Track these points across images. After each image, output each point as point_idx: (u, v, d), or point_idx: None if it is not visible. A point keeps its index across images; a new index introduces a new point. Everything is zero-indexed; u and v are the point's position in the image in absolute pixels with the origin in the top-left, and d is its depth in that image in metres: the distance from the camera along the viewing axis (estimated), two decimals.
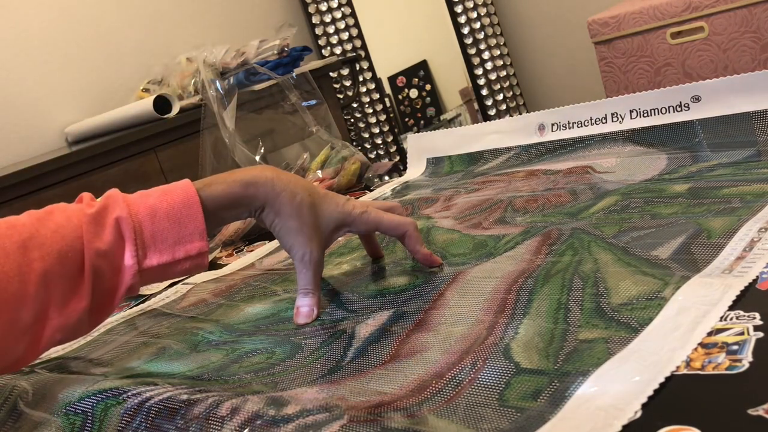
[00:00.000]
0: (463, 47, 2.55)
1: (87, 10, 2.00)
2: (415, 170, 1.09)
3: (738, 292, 0.46)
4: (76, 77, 1.97)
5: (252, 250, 0.95)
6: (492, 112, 2.59)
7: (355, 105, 2.52)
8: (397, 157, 2.53)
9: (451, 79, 2.65)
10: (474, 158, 1.02)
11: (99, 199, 0.57)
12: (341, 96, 2.41)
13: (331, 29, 2.49)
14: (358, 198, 1.05)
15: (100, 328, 0.77)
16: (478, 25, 2.54)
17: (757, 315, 0.43)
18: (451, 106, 2.68)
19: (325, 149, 1.21)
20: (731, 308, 0.45)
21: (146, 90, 1.92)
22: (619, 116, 0.87)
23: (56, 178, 1.60)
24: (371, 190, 1.08)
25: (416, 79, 2.64)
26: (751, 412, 0.34)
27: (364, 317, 0.60)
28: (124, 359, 0.66)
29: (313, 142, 1.31)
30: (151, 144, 1.76)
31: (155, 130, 1.75)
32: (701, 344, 0.42)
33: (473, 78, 2.58)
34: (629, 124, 0.86)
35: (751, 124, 0.75)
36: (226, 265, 0.91)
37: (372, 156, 2.50)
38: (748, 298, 0.46)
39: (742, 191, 0.64)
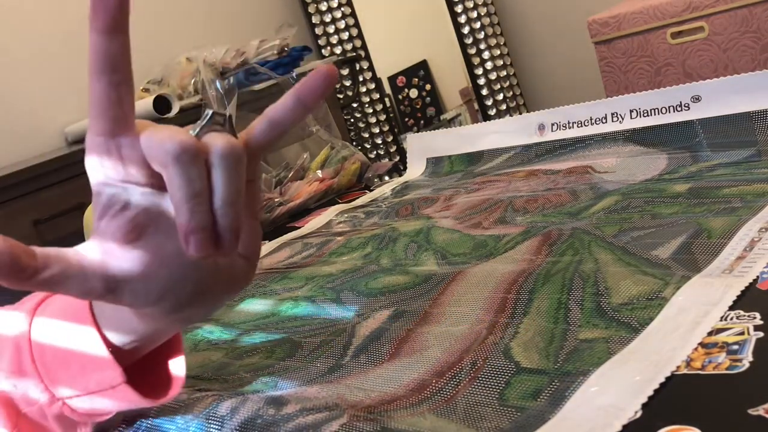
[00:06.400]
0: (463, 47, 2.56)
1: (87, 10, 2.00)
2: (415, 170, 1.09)
3: (738, 292, 0.46)
4: (76, 77, 1.97)
5: None
6: (492, 112, 2.59)
7: (355, 105, 2.52)
8: (397, 157, 2.52)
9: (451, 79, 2.65)
10: (474, 158, 1.02)
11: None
12: (341, 96, 2.40)
13: (331, 29, 2.49)
14: (357, 197, 1.05)
15: None
16: (478, 25, 2.54)
17: (758, 315, 0.43)
18: (451, 106, 2.68)
19: (325, 149, 1.21)
20: (731, 308, 0.45)
21: (146, 90, 1.92)
22: (619, 116, 0.87)
23: (56, 178, 1.60)
24: (371, 190, 1.08)
25: (416, 79, 2.64)
26: (752, 411, 0.34)
27: (364, 316, 0.60)
28: None
29: (313, 142, 1.31)
30: None
31: None
32: (701, 344, 0.42)
33: (473, 78, 2.58)
34: (629, 124, 0.86)
35: (751, 124, 0.75)
36: None
37: (372, 156, 2.50)
38: (749, 298, 0.46)
39: (742, 191, 0.64)
